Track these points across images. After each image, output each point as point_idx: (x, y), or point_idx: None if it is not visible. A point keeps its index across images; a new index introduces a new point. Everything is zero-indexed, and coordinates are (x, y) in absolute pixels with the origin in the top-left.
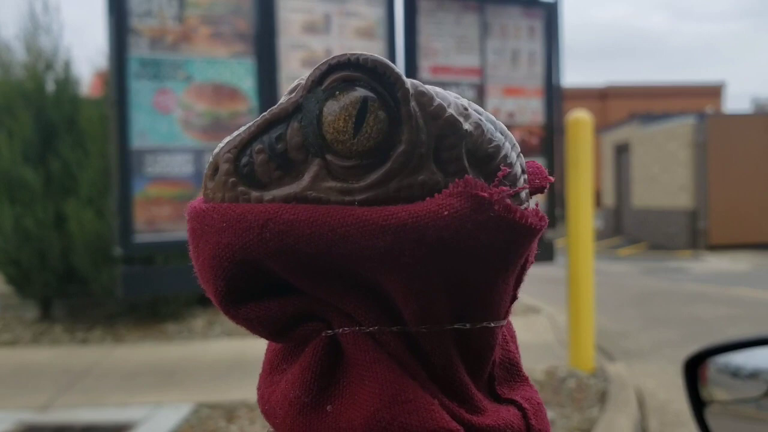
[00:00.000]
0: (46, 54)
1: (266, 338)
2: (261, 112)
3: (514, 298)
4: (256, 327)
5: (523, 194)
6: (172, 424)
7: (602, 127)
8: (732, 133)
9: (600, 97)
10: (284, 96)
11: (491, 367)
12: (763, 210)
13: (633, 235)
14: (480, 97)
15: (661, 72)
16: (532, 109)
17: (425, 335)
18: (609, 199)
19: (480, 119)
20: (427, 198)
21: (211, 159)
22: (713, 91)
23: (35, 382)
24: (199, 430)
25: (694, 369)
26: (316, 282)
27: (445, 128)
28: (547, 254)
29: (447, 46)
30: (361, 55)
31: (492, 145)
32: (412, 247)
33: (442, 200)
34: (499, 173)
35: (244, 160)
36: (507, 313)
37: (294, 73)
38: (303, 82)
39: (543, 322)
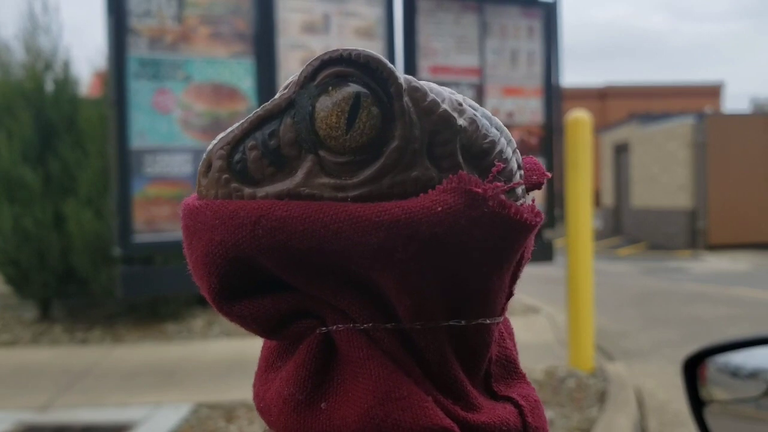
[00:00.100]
0: (46, 54)
1: (260, 335)
2: None
3: (511, 294)
4: (250, 324)
5: (519, 190)
6: (172, 424)
7: (601, 127)
8: (731, 133)
9: (599, 97)
10: (278, 92)
11: (487, 364)
12: (762, 210)
13: (632, 235)
14: (479, 96)
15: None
16: (531, 109)
17: (419, 332)
18: (608, 199)
19: (474, 114)
20: (421, 194)
21: (204, 156)
22: (712, 91)
23: (35, 383)
24: (198, 430)
25: (694, 369)
26: (310, 279)
27: (439, 124)
28: (546, 254)
29: (446, 46)
30: (353, 50)
31: (487, 140)
32: (405, 244)
33: (436, 196)
34: (494, 169)
35: (237, 156)
36: (503, 309)
37: (293, 73)
38: (296, 78)
39: (542, 322)
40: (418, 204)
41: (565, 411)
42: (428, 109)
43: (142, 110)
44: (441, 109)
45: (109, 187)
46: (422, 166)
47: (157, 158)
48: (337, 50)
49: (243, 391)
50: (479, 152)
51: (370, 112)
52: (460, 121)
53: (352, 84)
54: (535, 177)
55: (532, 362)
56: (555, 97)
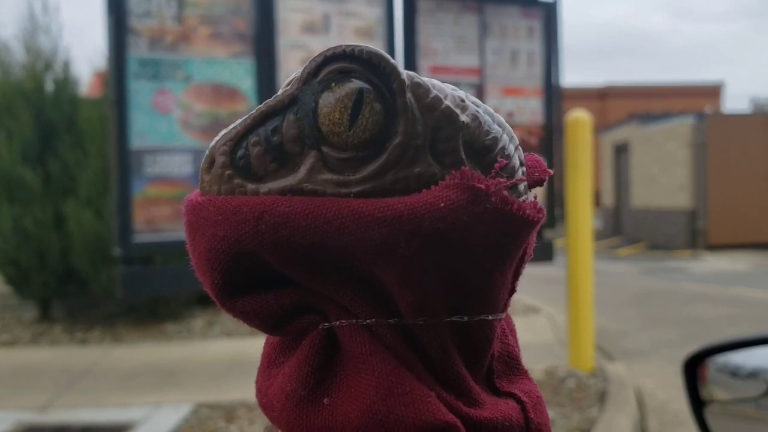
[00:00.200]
0: (46, 54)
1: (263, 331)
2: None
3: (513, 290)
4: (253, 320)
5: (522, 187)
6: (172, 425)
7: (601, 127)
8: (731, 133)
9: (599, 97)
10: (281, 89)
11: (490, 360)
12: (762, 210)
13: (632, 235)
14: (479, 97)
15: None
16: (531, 109)
17: (422, 327)
18: (608, 199)
19: (477, 111)
20: (424, 190)
21: (207, 152)
22: (712, 91)
23: (34, 383)
24: (198, 430)
25: (694, 369)
26: (312, 274)
27: (441, 120)
28: (546, 254)
29: (446, 46)
30: (356, 46)
31: (489, 136)
32: (408, 239)
33: (439, 192)
34: (496, 165)
35: (240, 152)
36: (505, 306)
37: (293, 73)
38: (299, 74)
39: (542, 322)
40: (420, 200)
41: (565, 411)
42: (431, 105)
43: (142, 110)
44: (444, 106)
45: (109, 188)
46: (425, 162)
47: (157, 158)
48: (340, 46)
49: (243, 391)
50: (482, 149)
51: (372, 108)
52: (463, 118)
53: (354, 80)
54: (537, 174)
55: (532, 362)
56: (555, 97)
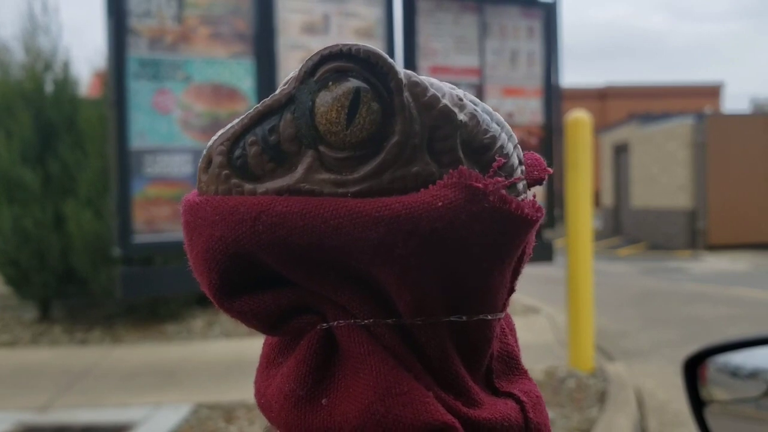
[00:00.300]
0: (45, 54)
1: (261, 331)
2: None
3: (512, 290)
4: (251, 320)
5: (521, 186)
6: (172, 425)
7: (601, 127)
8: (731, 133)
9: (599, 98)
10: (278, 88)
11: (489, 360)
12: (762, 210)
13: (632, 235)
14: (479, 97)
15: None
16: (531, 110)
17: (420, 327)
18: (608, 199)
19: (475, 110)
20: (421, 189)
21: (204, 152)
22: (712, 91)
23: (34, 383)
24: (198, 430)
25: (694, 369)
26: (310, 274)
27: (439, 119)
28: (546, 254)
29: (446, 47)
30: (353, 45)
31: (487, 135)
32: (406, 239)
33: (436, 191)
34: (495, 164)
35: (237, 152)
36: (505, 305)
37: None
38: (296, 73)
39: (542, 322)
40: (418, 199)
41: (565, 411)
42: (428, 104)
43: (142, 110)
44: (441, 104)
45: (109, 188)
46: (422, 162)
47: (156, 158)
48: (337, 45)
49: (243, 392)
50: (480, 147)
51: (370, 107)
52: (461, 116)
53: (352, 79)
54: (536, 172)
55: (532, 362)
56: (555, 97)
